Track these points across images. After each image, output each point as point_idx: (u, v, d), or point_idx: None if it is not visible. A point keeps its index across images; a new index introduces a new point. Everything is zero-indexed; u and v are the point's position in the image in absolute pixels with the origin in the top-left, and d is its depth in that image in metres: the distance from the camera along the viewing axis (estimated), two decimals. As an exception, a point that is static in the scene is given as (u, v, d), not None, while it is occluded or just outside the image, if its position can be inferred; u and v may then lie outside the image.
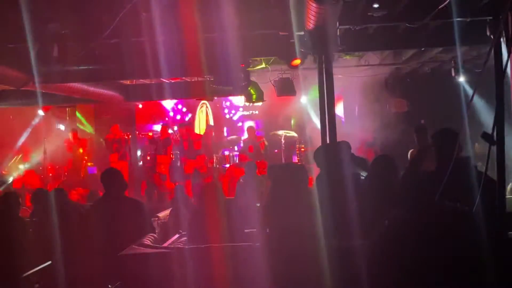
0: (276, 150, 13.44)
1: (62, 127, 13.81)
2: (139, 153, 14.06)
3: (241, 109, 15.30)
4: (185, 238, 4.99)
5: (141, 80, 10.54)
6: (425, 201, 2.90)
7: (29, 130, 12.72)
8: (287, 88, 9.91)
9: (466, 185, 3.44)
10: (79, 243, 4.65)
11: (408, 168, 5.07)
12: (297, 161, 12.88)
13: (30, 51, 7.33)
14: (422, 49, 8.97)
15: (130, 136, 12.71)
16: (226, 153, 13.39)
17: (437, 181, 2.98)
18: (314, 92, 12.80)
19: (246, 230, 4.83)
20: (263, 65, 9.47)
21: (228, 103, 15.33)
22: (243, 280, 3.70)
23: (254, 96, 10.07)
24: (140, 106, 14.62)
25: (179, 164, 12.94)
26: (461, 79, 11.00)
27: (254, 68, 9.77)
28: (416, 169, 4.31)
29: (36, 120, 12.69)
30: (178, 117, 15.13)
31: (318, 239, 3.86)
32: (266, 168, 12.15)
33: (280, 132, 13.58)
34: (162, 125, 13.31)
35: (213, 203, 4.63)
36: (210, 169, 12.57)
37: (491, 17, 6.39)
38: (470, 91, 10.84)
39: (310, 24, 6.06)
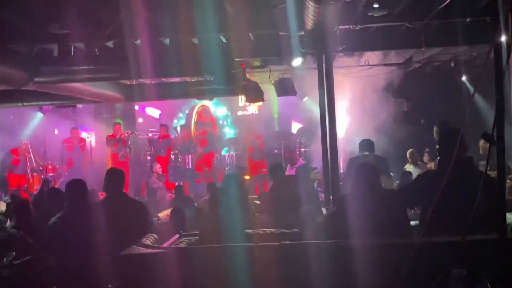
0: (276, 150, 13.43)
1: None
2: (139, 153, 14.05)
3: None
4: (185, 238, 4.99)
5: (141, 80, 10.54)
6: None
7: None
8: (287, 88, 9.90)
9: (468, 185, 3.45)
10: (80, 242, 4.64)
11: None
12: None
13: (30, 51, 7.34)
14: (422, 49, 8.96)
15: (130, 136, 12.71)
16: (225, 152, 13.41)
17: (438, 181, 2.99)
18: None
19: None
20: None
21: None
22: (244, 280, 3.70)
23: (253, 96, 10.05)
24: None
25: (179, 164, 12.96)
26: (463, 78, 11.00)
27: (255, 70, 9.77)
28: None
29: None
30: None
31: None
32: (266, 167, 12.18)
33: None
34: (161, 126, 13.30)
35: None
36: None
37: (491, 17, 6.38)
38: (471, 90, 10.85)
39: (310, 24, 6.06)
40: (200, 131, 13.32)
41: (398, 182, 8.13)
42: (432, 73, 12.37)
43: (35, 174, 11.92)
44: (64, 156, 12.40)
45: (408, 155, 9.43)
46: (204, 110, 15.22)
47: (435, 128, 7.12)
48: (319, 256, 3.62)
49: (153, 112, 15.07)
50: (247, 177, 12.03)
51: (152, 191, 10.72)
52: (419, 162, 9.52)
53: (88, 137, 12.95)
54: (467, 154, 3.96)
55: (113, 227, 4.55)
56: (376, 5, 6.52)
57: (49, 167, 12.16)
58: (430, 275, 2.75)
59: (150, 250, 4.11)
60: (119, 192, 5.14)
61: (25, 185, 11.54)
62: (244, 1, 6.25)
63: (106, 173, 5.26)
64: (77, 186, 5.11)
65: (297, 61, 7.93)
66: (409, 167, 9.32)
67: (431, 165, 9.50)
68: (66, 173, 12.15)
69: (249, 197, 7.71)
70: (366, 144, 7.22)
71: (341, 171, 7.83)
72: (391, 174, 8.39)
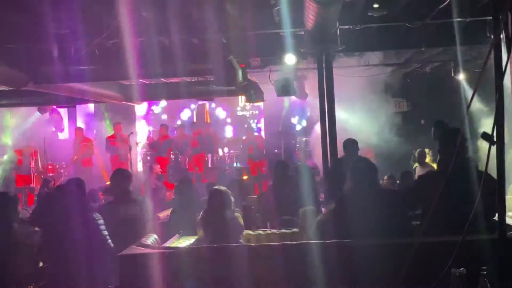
0: (276, 150, 13.43)
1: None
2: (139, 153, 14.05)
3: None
4: (185, 238, 5.00)
5: (141, 80, 10.54)
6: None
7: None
8: (287, 88, 9.90)
9: (468, 185, 3.46)
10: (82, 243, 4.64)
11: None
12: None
13: (30, 51, 7.34)
14: (422, 49, 8.97)
15: (130, 137, 12.70)
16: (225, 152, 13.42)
17: (438, 181, 3.00)
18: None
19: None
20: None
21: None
22: (243, 280, 3.70)
23: (253, 96, 10.06)
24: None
25: (178, 164, 12.95)
26: (461, 77, 11.00)
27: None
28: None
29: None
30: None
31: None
32: (266, 167, 12.20)
33: None
34: (161, 126, 13.28)
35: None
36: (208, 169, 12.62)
37: (491, 17, 6.38)
38: (470, 90, 10.85)
39: (310, 24, 6.07)
40: (193, 132, 13.32)
41: (398, 182, 8.14)
42: (432, 73, 12.38)
43: (36, 174, 11.93)
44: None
45: (416, 153, 9.48)
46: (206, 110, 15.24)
47: (433, 128, 7.13)
48: (320, 256, 3.62)
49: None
50: (245, 177, 12.05)
51: (151, 191, 10.71)
52: (425, 162, 9.56)
53: (95, 139, 12.98)
54: (467, 154, 3.96)
55: (123, 227, 4.60)
56: (376, 5, 6.52)
57: (49, 167, 12.17)
58: (430, 275, 2.75)
59: (150, 250, 4.11)
60: (127, 192, 5.21)
61: (32, 185, 11.54)
62: (244, 1, 6.25)
63: (113, 173, 5.35)
64: (74, 184, 5.12)
65: (290, 59, 7.97)
66: (416, 167, 9.39)
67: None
68: (66, 173, 12.17)
69: (249, 197, 7.74)
70: (350, 144, 7.20)
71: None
72: (390, 173, 8.43)
